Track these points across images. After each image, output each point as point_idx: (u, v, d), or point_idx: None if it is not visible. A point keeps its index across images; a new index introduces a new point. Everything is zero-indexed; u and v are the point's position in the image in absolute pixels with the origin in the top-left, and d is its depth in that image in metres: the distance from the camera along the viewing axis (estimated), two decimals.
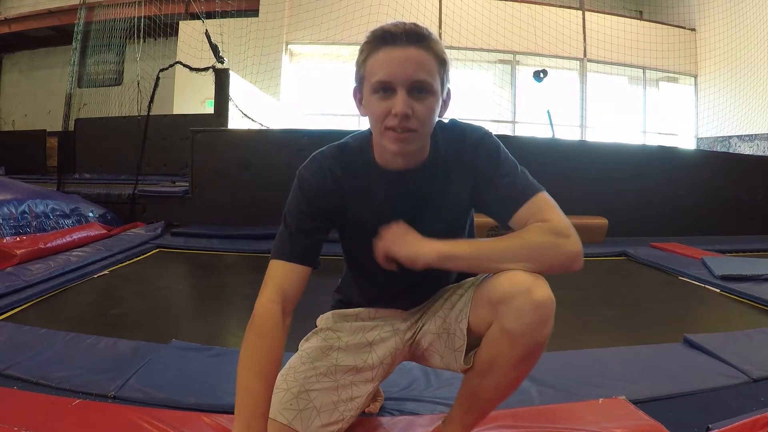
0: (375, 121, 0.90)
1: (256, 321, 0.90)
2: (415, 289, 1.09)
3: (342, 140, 1.02)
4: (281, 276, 0.93)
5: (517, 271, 0.87)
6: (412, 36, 0.86)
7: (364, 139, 1.00)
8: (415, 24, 0.88)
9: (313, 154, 1.01)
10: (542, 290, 0.86)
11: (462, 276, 1.09)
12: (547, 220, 0.90)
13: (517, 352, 0.89)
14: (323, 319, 1.15)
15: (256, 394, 0.84)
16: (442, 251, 0.89)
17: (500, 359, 0.92)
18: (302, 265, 0.94)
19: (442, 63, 0.90)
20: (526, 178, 0.95)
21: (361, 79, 0.93)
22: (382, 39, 0.87)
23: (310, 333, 1.13)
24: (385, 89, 0.87)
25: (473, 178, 0.98)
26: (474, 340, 0.98)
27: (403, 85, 0.86)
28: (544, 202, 0.93)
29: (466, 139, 0.98)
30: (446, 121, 1.02)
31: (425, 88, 0.87)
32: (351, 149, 1.00)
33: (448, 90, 0.95)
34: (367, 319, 1.11)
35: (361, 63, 0.91)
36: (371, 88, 0.89)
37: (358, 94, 0.96)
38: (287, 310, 0.92)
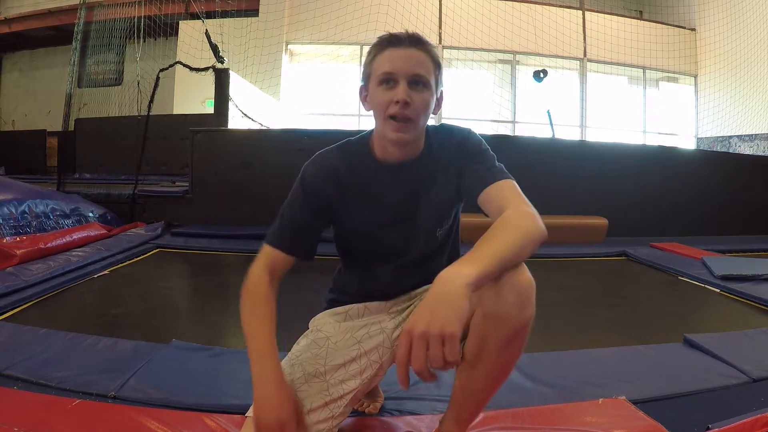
0: (379, 110, 1.01)
1: (248, 285, 1.03)
2: (408, 276, 1.14)
3: (345, 140, 1.12)
4: (269, 258, 1.06)
5: None
6: (414, 40, 1.01)
7: (364, 137, 1.11)
8: (416, 32, 1.03)
9: (317, 152, 1.10)
10: (522, 273, 0.90)
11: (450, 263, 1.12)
12: (512, 206, 0.96)
13: (501, 335, 0.92)
14: (314, 321, 1.19)
15: (259, 336, 0.98)
16: (472, 280, 0.81)
17: (487, 345, 0.94)
18: (287, 254, 1.05)
19: (437, 65, 1.03)
20: (501, 168, 1.06)
21: (367, 76, 1.05)
22: (389, 41, 1.01)
23: (302, 335, 1.17)
24: (389, 81, 1.00)
25: (458, 166, 1.07)
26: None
27: (404, 77, 0.99)
28: (511, 188, 1.01)
29: (454, 136, 1.10)
30: (437, 124, 1.13)
31: (422, 82, 1.00)
32: (352, 146, 1.11)
33: (442, 92, 1.08)
34: (356, 318, 1.15)
35: (369, 62, 1.04)
36: (377, 81, 1.01)
37: (364, 92, 1.07)
38: (274, 277, 1.05)
